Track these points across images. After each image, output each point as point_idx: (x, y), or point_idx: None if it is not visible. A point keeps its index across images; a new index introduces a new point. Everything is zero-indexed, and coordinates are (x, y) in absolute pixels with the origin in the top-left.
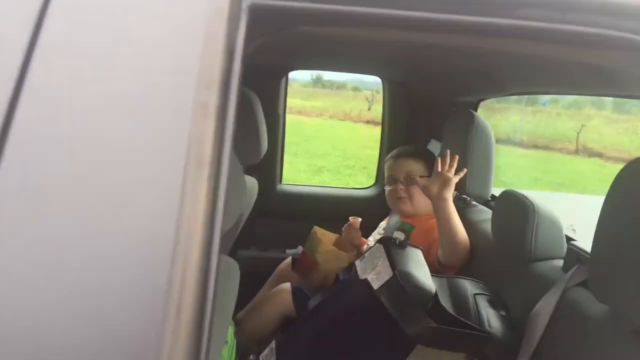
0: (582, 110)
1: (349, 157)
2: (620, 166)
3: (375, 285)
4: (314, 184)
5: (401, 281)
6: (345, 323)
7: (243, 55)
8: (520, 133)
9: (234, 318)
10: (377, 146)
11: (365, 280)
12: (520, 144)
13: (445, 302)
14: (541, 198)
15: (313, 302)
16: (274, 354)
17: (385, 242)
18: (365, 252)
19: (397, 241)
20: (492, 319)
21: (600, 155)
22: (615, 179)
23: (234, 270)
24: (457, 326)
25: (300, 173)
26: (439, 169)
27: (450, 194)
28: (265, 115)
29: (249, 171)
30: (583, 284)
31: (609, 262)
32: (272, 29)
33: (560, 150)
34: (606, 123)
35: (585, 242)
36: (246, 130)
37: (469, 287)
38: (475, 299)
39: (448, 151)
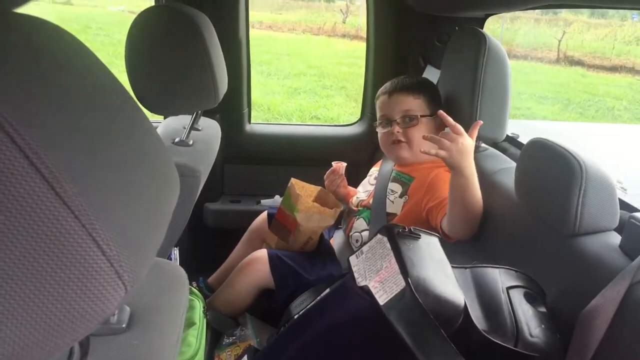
0: (559, 15)
1: (325, 75)
2: (601, 75)
3: (381, 299)
4: (288, 122)
5: (417, 294)
6: (339, 350)
7: None
8: (501, 42)
9: (205, 284)
10: (355, 63)
11: (366, 288)
12: None
13: (473, 307)
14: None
15: (297, 308)
16: None
17: (390, 232)
18: (362, 246)
19: (407, 230)
20: (531, 323)
21: (581, 63)
22: None
23: (181, 281)
24: (496, 354)
25: (274, 96)
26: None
27: (472, 158)
28: (223, 42)
29: (208, 112)
30: None
31: None
32: None
33: (541, 59)
34: (585, 29)
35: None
36: (195, 67)
37: (500, 278)
38: (508, 294)
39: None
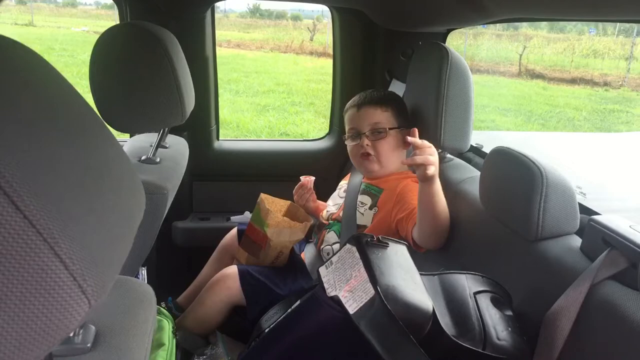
0: (520, 30)
1: (294, 92)
2: (561, 87)
3: (351, 308)
4: (257, 139)
5: (387, 302)
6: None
7: None
8: (464, 57)
9: (174, 304)
10: (323, 79)
11: (336, 298)
12: None
13: (442, 313)
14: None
15: (268, 321)
16: None
17: (359, 241)
18: (331, 257)
19: (375, 239)
20: (498, 326)
21: (541, 76)
22: None
23: (148, 299)
24: (465, 358)
25: (243, 113)
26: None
27: (437, 171)
28: (190, 59)
29: (175, 130)
30: (617, 276)
31: None
32: None
33: (504, 73)
34: (545, 43)
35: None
36: (161, 85)
37: (467, 284)
38: (475, 299)
39: None
